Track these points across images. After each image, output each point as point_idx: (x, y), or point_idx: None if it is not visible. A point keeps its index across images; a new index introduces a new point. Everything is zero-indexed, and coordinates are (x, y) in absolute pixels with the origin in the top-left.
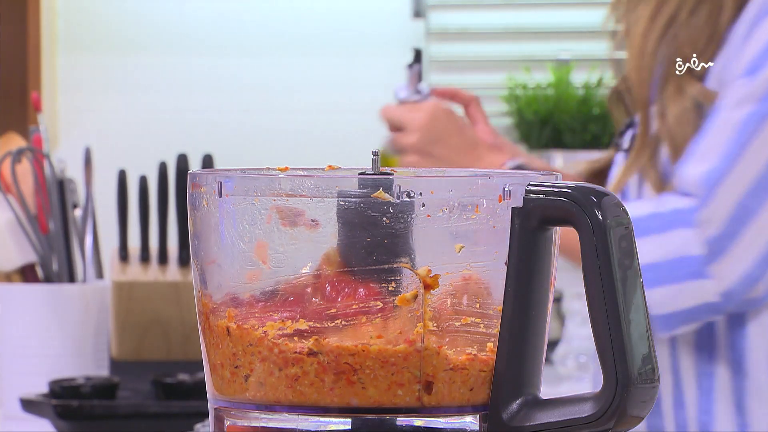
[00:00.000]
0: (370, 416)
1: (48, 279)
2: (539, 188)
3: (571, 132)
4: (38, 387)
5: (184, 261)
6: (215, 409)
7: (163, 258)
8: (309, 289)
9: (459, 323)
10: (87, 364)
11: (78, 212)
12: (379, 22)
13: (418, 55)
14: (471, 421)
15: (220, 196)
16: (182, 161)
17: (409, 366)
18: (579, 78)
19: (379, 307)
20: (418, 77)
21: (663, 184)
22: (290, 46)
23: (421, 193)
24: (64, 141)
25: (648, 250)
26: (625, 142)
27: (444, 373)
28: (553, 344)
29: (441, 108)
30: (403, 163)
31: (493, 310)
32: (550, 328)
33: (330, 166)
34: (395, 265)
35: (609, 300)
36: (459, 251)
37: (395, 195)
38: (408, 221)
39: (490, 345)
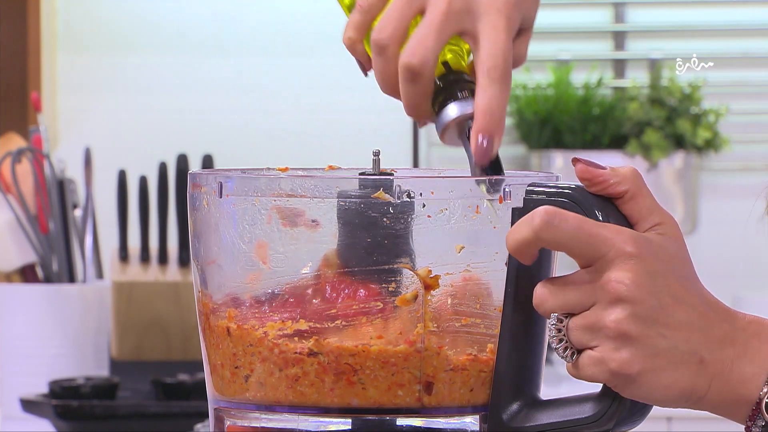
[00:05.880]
0: (370, 417)
1: (48, 279)
2: (539, 189)
3: (571, 132)
4: (38, 387)
5: (184, 261)
6: (215, 409)
7: (163, 258)
8: (309, 290)
9: (459, 324)
10: (87, 364)
11: (78, 212)
12: None
13: None
14: (471, 421)
15: (221, 197)
16: (182, 161)
17: (409, 366)
18: (579, 78)
19: (379, 307)
20: None
21: None
22: (290, 46)
23: (421, 194)
24: (64, 141)
25: None
26: None
27: (444, 374)
28: None
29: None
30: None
31: (494, 310)
32: None
33: (330, 166)
34: (395, 266)
35: None
36: (459, 252)
37: (395, 195)
38: (408, 221)
39: (490, 346)
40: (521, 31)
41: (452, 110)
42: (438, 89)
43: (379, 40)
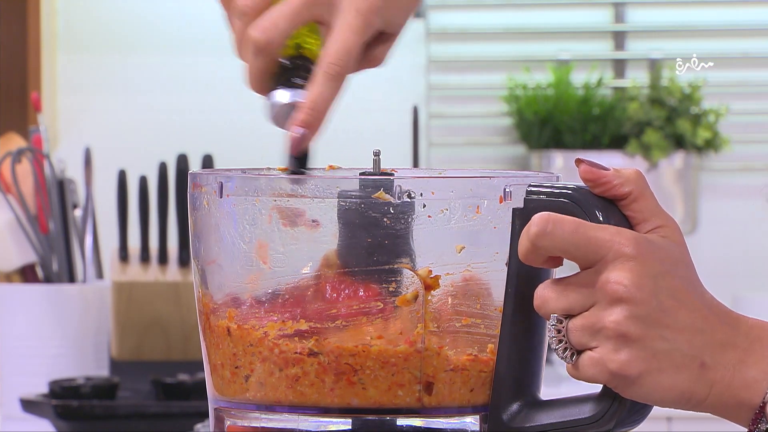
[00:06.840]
0: (370, 417)
1: (48, 279)
2: (540, 189)
3: (571, 132)
4: (38, 387)
5: (184, 261)
6: (215, 409)
7: (163, 258)
8: (309, 290)
9: (459, 324)
10: (87, 364)
11: (78, 212)
12: None
13: None
14: (471, 421)
15: (221, 197)
16: (182, 161)
17: (409, 366)
18: (579, 78)
19: (379, 307)
20: None
21: None
22: None
23: (421, 194)
24: (64, 141)
25: None
26: None
27: (444, 374)
28: None
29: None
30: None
31: (494, 310)
32: None
33: (330, 166)
34: (396, 266)
35: None
36: (460, 252)
37: (396, 195)
38: (408, 222)
39: (490, 346)
40: (385, 36)
41: (282, 95)
42: (281, 69)
43: (241, 5)
